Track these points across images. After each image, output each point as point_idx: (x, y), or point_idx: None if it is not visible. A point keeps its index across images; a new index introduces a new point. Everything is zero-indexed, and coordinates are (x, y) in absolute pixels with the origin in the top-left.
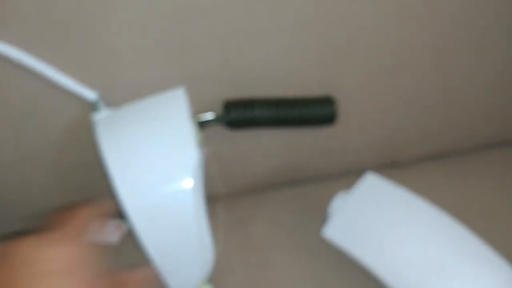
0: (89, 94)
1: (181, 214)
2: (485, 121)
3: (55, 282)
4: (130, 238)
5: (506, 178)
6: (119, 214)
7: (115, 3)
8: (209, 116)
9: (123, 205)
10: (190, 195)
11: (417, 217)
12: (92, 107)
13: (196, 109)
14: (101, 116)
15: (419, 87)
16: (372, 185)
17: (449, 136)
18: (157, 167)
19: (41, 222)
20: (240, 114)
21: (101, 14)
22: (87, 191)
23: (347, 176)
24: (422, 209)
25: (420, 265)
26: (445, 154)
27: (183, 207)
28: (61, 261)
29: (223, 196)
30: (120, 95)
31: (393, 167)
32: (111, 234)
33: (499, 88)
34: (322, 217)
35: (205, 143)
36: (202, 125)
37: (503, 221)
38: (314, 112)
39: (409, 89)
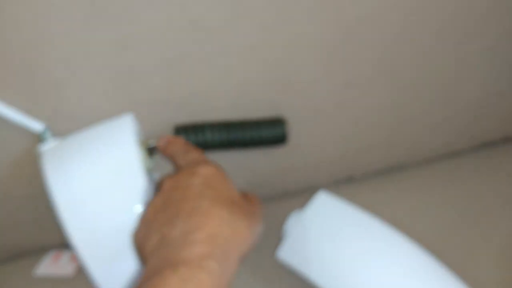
0: (35, 125)
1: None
2: (433, 133)
3: (216, 183)
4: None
5: (456, 191)
6: None
7: (55, 32)
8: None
9: (70, 237)
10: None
11: (368, 236)
12: (39, 138)
13: (147, 135)
14: (48, 147)
15: (368, 103)
16: (324, 203)
17: (400, 150)
18: (104, 196)
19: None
20: (191, 139)
21: (42, 44)
22: (36, 224)
23: (303, 193)
24: (373, 227)
25: (373, 284)
26: (397, 167)
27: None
28: (215, 174)
29: None
30: (67, 124)
31: (348, 182)
32: (66, 265)
33: (446, 100)
34: (278, 237)
35: (157, 169)
36: (153, 151)
37: (455, 234)
38: (265, 133)
39: (358, 106)
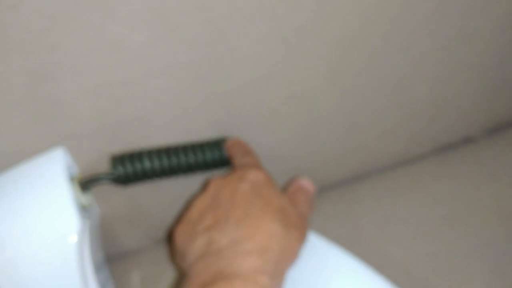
0: None
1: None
2: (389, 139)
3: (265, 190)
4: None
5: (419, 198)
6: None
7: None
8: (95, 174)
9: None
10: (74, 265)
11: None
12: None
13: (82, 168)
14: None
15: (315, 115)
16: None
17: (355, 160)
18: (34, 241)
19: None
20: (128, 169)
21: None
22: None
23: None
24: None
25: None
26: (354, 178)
27: (66, 280)
28: (263, 180)
29: (134, 250)
30: None
31: None
32: None
33: (399, 104)
34: None
35: (102, 202)
36: (88, 184)
37: (421, 244)
38: (209, 156)
39: (305, 118)
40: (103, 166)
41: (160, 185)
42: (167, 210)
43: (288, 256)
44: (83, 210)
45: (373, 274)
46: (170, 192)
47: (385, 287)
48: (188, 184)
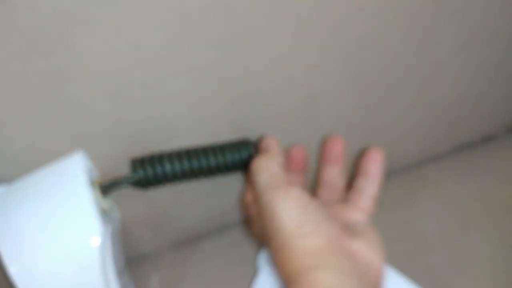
0: None
1: None
2: (410, 140)
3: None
4: None
5: (440, 198)
6: None
7: None
8: (115, 178)
9: None
10: (97, 270)
11: None
12: None
13: (103, 171)
14: None
15: (337, 116)
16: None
17: None
18: (56, 246)
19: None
20: (149, 172)
21: None
22: None
23: None
24: None
25: None
26: None
27: (89, 284)
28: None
29: (152, 254)
30: (10, 169)
31: None
32: None
33: (422, 105)
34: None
35: (120, 205)
36: (108, 188)
37: (442, 246)
38: (231, 157)
39: (326, 119)
40: (122, 169)
41: (179, 188)
42: (186, 214)
43: None
44: (104, 214)
45: None
46: (189, 195)
47: None
48: (207, 187)
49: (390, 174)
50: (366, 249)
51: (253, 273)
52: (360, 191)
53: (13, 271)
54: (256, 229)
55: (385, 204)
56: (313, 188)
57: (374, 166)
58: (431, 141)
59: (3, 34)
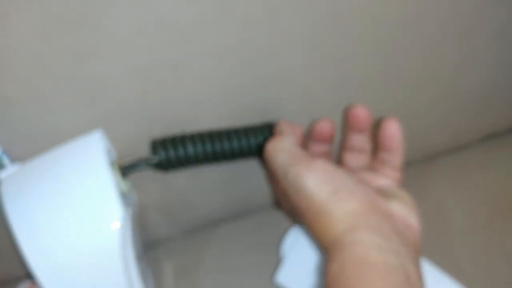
0: None
1: (105, 276)
2: (438, 128)
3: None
4: None
5: (465, 188)
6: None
7: (4, 45)
8: (135, 159)
9: (34, 274)
10: (116, 252)
11: None
12: None
13: (120, 153)
14: (6, 174)
15: (366, 102)
16: (296, 241)
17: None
18: (73, 226)
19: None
20: (171, 154)
21: None
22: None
23: None
24: None
25: None
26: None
27: (107, 268)
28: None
29: (167, 239)
30: (27, 147)
31: None
32: None
33: (451, 93)
34: (277, 254)
35: (135, 189)
36: (128, 170)
37: (468, 238)
38: (254, 141)
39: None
40: (140, 151)
41: (196, 173)
42: (203, 199)
43: None
44: (123, 197)
45: None
46: (206, 181)
47: None
48: (225, 172)
49: (416, 163)
50: (402, 210)
51: (271, 260)
52: (384, 162)
53: (28, 253)
54: (287, 207)
55: (412, 194)
56: (338, 156)
57: (394, 141)
58: (458, 130)
59: (25, 7)
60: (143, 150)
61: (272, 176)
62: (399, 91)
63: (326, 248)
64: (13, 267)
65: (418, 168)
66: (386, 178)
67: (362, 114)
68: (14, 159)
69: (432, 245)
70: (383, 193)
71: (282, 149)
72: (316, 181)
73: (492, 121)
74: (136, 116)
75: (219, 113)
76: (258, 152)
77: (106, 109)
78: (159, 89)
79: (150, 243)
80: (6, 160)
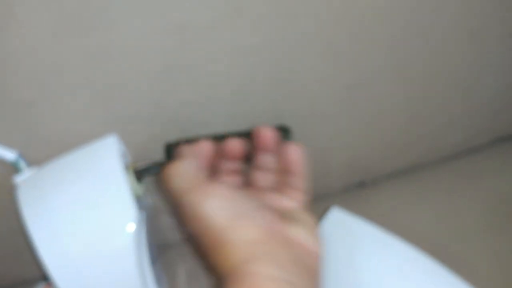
0: (7, 154)
1: (120, 280)
2: (449, 130)
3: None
4: None
5: (478, 191)
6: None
7: (20, 48)
8: (149, 163)
9: (51, 276)
10: (131, 255)
11: (388, 258)
12: (14, 168)
13: (135, 156)
14: (23, 178)
15: (379, 103)
16: (337, 222)
17: (415, 150)
18: (89, 229)
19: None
20: None
21: (5, 61)
22: (13, 261)
23: (313, 202)
24: (394, 247)
25: None
26: (412, 169)
27: (122, 271)
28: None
29: (180, 243)
30: (43, 151)
31: (360, 187)
32: None
33: (463, 95)
34: None
35: (149, 192)
36: (143, 173)
37: (480, 239)
38: None
39: (368, 107)
40: (155, 154)
41: None
42: None
43: None
44: (138, 200)
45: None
46: None
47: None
48: None
49: (429, 166)
50: (303, 235)
51: None
52: (288, 184)
53: (45, 256)
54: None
55: (423, 196)
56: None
57: (297, 165)
58: (470, 132)
59: (39, 9)
60: (157, 153)
61: (170, 203)
62: (411, 93)
63: (221, 278)
64: (28, 268)
65: (430, 170)
66: (290, 200)
67: (267, 135)
68: (30, 163)
69: (444, 247)
70: (286, 215)
71: (177, 174)
72: (213, 208)
73: (504, 123)
74: (150, 118)
75: (232, 115)
76: None
77: (120, 112)
78: (173, 92)
79: (164, 247)
80: (22, 164)
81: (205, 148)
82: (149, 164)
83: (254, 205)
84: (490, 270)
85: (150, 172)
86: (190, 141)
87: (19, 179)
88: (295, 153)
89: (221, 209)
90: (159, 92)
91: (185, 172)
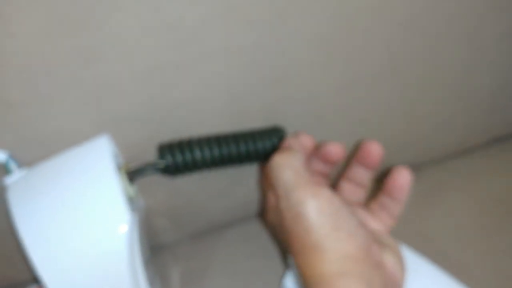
0: None
1: (113, 281)
2: (446, 130)
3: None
4: None
5: (474, 192)
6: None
7: (8, 47)
8: (142, 164)
9: (42, 279)
10: (123, 257)
11: None
12: (4, 169)
13: (127, 157)
14: (14, 179)
15: (374, 103)
16: None
17: (411, 150)
18: (80, 231)
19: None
20: (177, 159)
21: None
22: (4, 264)
23: None
24: None
25: None
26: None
27: (115, 273)
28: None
29: (173, 244)
30: (34, 151)
31: None
32: None
33: (460, 94)
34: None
35: (142, 193)
36: (135, 174)
37: (476, 241)
38: (261, 145)
39: (363, 107)
40: (147, 155)
41: (203, 177)
42: (210, 203)
43: None
44: (130, 202)
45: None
46: (213, 185)
47: None
48: (231, 176)
49: (424, 166)
50: (393, 263)
51: (278, 265)
52: (384, 207)
53: (35, 258)
54: (273, 223)
55: (416, 198)
56: (335, 178)
57: (402, 191)
58: (466, 132)
59: (29, 8)
60: (150, 155)
61: (267, 187)
62: (406, 92)
63: (308, 282)
64: (20, 271)
65: (426, 171)
66: (380, 223)
67: (375, 151)
68: (20, 164)
69: (440, 248)
70: (376, 239)
71: (289, 166)
72: (320, 213)
73: (500, 123)
74: (142, 119)
75: (225, 115)
76: (266, 157)
77: (112, 113)
78: (164, 92)
79: (157, 248)
80: (13, 165)
81: (309, 144)
82: (142, 165)
83: (356, 222)
84: (485, 270)
85: (143, 173)
86: (183, 142)
87: (9, 180)
88: (405, 179)
89: (325, 215)
90: (151, 92)
91: (296, 165)
